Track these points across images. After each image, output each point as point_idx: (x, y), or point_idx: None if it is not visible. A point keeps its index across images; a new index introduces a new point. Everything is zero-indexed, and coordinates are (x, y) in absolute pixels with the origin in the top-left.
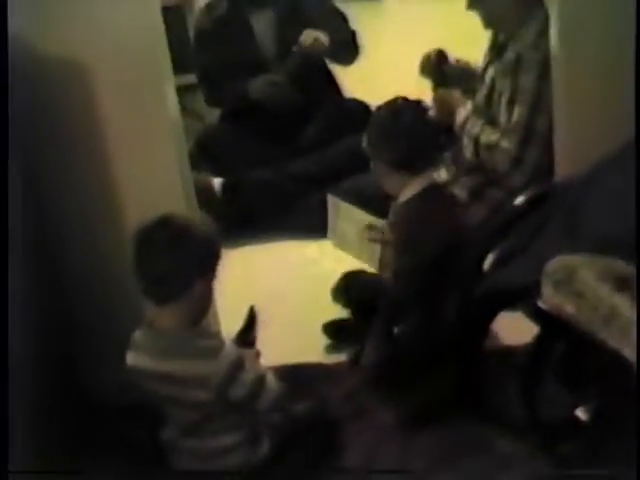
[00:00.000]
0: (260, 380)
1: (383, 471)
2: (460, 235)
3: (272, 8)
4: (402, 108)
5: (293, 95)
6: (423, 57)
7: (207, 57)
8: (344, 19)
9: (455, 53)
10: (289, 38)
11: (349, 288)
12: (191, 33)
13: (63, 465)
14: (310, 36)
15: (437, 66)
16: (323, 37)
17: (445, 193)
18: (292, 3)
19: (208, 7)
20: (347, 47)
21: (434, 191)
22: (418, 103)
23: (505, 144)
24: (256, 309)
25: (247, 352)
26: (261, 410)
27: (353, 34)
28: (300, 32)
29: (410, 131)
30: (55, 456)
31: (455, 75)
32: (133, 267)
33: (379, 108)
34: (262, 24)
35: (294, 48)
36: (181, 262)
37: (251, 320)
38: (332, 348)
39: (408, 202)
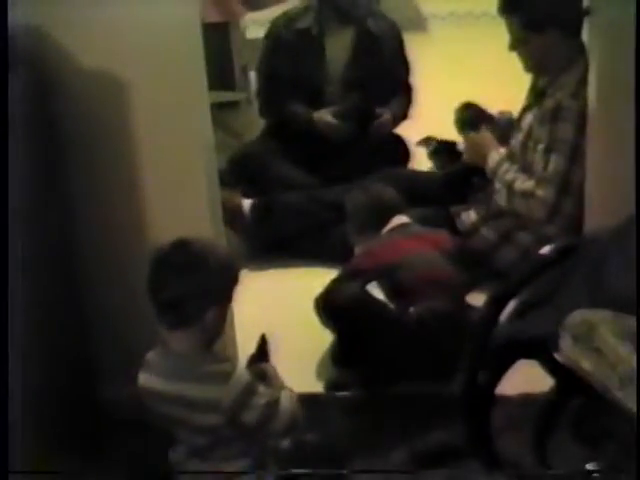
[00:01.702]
0: (273, 405)
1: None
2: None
3: (351, 33)
4: None
5: (352, 130)
6: (456, 112)
7: (274, 68)
8: (407, 69)
9: (497, 92)
10: (358, 73)
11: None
12: (234, 49)
13: (63, 465)
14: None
15: (471, 121)
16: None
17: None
18: (369, 36)
19: (289, 17)
20: (405, 115)
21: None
22: (452, 144)
23: (541, 193)
24: (267, 338)
25: (268, 366)
26: (272, 434)
27: (410, 90)
28: (369, 73)
29: None
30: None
31: (495, 127)
32: (147, 289)
33: None
34: (335, 49)
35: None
36: (194, 289)
37: (261, 349)
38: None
39: None
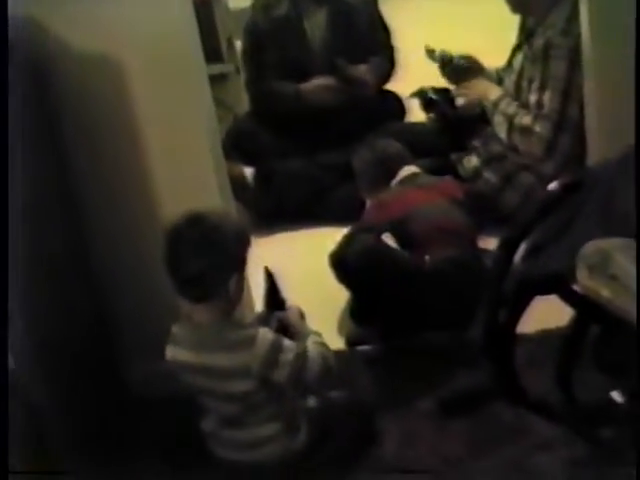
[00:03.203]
0: (301, 356)
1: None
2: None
3: (326, 10)
4: None
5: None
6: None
7: (261, 57)
8: (387, 34)
9: (482, 42)
10: (337, 49)
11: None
12: (218, 22)
13: (63, 465)
14: (356, 74)
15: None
16: (369, 75)
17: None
18: (345, 9)
19: (264, 5)
20: (388, 76)
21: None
22: (446, 91)
23: (538, 129)
24: (270, 270)
25: (290, 313)
26: (309, 385)
27: (392, 51)
28: (348, 44)
29: None
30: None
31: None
32: (166, 267)
33: None
34: (314, 29)
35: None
36: (214, 262)
37: (270, 281)
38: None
39: None
